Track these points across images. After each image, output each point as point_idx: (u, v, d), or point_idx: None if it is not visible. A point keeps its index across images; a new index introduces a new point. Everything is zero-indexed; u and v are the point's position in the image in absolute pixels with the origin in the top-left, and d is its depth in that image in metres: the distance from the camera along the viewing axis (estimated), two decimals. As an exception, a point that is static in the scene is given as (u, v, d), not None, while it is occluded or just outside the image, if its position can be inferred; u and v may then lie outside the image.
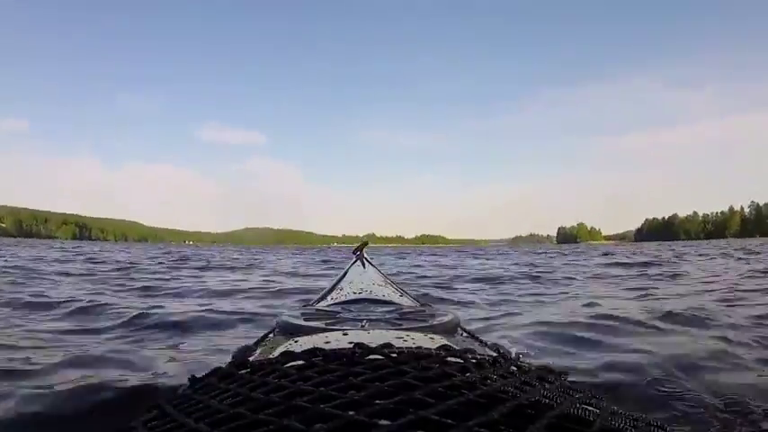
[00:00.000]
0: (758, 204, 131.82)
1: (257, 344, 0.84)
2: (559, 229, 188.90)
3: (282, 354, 0.52)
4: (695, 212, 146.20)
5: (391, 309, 1.12)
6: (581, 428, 0.36)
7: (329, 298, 1.57)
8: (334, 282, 1.91)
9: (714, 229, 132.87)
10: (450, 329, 0.86)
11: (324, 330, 0.78)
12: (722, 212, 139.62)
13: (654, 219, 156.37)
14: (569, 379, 0.50)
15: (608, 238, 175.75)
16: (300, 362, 0.50)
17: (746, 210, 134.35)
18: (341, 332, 0.74)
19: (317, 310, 1.10)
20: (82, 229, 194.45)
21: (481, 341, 0.89)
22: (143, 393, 1.88)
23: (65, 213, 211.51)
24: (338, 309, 1.12)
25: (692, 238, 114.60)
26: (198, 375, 0.54)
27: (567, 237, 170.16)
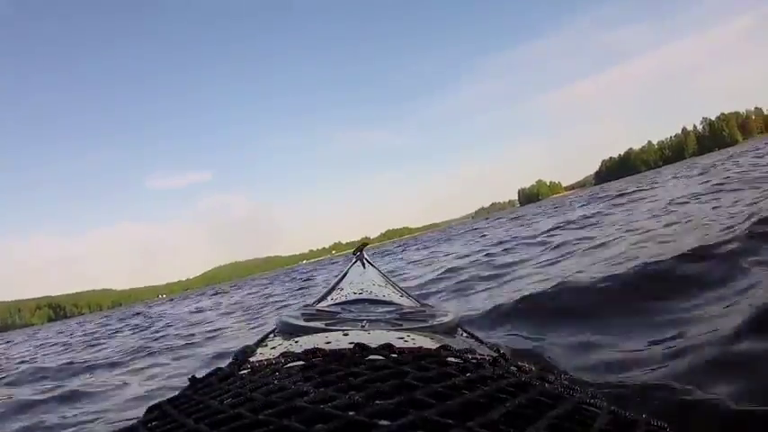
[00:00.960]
0: (710, 119, 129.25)
1: (258, 344, 0.84)
2: (520, 191, 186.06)
3: (283, 354, 0.52)
4: (649, 142, 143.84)
5: (391, 309, 1.12)
6: (581, 429, 0.36)
7: (329, 298, 1.57)
8: (334, 282, 1.91)
9: (672, 153, 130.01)
10: (450, 329, 0.86)
11: (324, 331, 0.78)
12: (676, 135, 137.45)
13: (610, 158, 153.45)
14: (569, 379, 0.50)
15: (568, 188, 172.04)
16: (301, 362, 0.50)
17: (700, 127, 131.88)
18: (341, 332, 0.74)
19: (318, 310, 1.10)
20: (56, 310, 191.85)
21: (481, 341, 0.89)
22: (143, 394, 1.89)
23: (35, 298, 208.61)
24: (338, 309, 1.12)
25: (651, 168, 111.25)
26: (198, 376, 0.54)
27: (529, 197, 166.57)
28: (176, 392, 0.51)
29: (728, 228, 3.31)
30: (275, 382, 0.44)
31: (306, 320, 0.87)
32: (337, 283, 1.89)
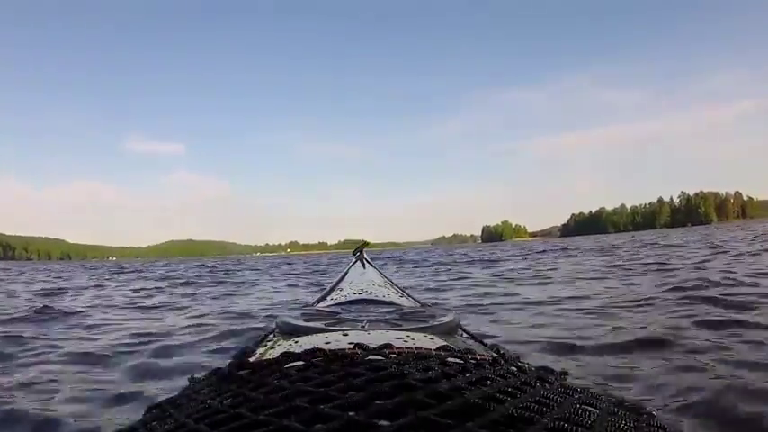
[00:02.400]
0: (688, 195, 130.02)
1: (257, 344, 0.83)
2: (484, 227, 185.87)
3: (282, 354, 0.52)
4: (623, 205, 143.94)
5: (391, 309, 1.12)
6: (581, 429, 0.36)
7: (329, 298, 1.57)
8: (334, 282, 1.91)
9: (643, 220, 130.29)
10: (450, 330, 0.86)
11: (324, 331, 0.78)
12: (651, 204, 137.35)
13: (580, 213, 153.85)
14: (569, 379, 0.50)
15: (533, 234, 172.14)
16: (300, 362, 0.50)
17: (676, 200, 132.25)
18: (341, 333, 0.74)
19: (317, 310, 1.10)
20: (5, 249, 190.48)
21: (481, 341, 0.89)
22: (143, 394, 1.88)
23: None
24: (338, 309, 1.12)
25: (620, 231, 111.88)
26: (198, 376, 0.54)
27: (492, 235, 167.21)
28: (176, 392, 0.51)
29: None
30: (275, 382, 0.44)
31: (305, 320, 0.87)
32: (337, 283, 1.89)
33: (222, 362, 0.60)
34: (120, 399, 1.84)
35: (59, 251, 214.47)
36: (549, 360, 2.05)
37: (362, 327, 0.82)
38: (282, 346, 0.74)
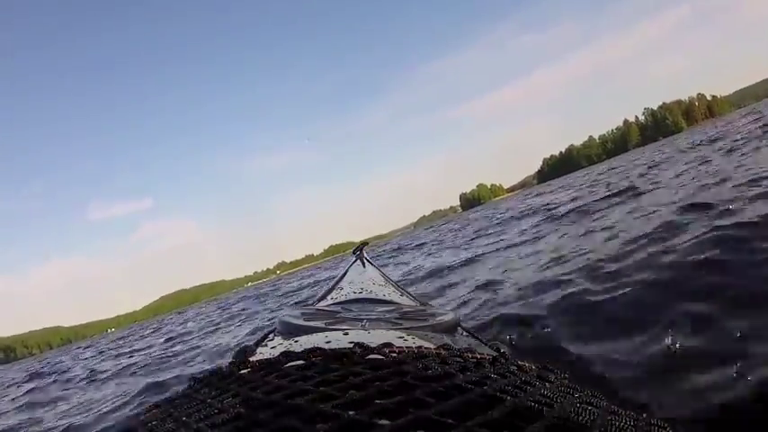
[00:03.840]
0: (652, 109, 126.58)
1: (257, 344, 0.84)
2: (461, 195, 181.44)
3: (283, 353, 0.52)
4: (591, 137, 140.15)
5: (391, 308, 1.12)
6: (581, 429, 0.36)
7: (329, 298, 1.57)
8: (334, 281, 1.91)
9: (614, 146, 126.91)
10: (450, 329, 0.86)
11: (324, 330, 0.78)
12: (618, 128, 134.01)
13: (551, 156, 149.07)
14: (569, 378, 0.50)
15: (510, 189, 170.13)
16: (300, 362, 0.50)
17: (641, 118, 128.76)
18: (341, 332, 0.74)
19: (318, 309, 1.10)
20: (6, 351, 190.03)
21: (481, 341, 0.89)
22: (144, 394, 1.89)
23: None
24: (338, 308, 1.12)
25: (594, 163, 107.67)
26: (198, 375, 0.54)
27: (471, 201, 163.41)
28: (176, 392, 0.51)
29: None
30: (275, 381, 0.44)
31: (306, 320, 0.87)
32: (337, 282, 1.89)
33: (222, 361, 0.60)
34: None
35: (58, 338, 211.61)
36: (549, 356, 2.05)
37: (363, 326, 0.82)
38: (282, 345, 0.74)
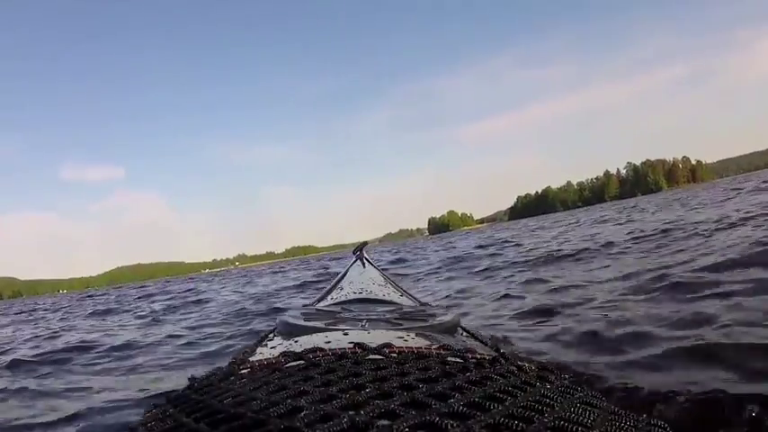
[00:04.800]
0: (635, 164, 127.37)
1: (258, 344, 0.84)
2: (430, 219, 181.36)
3: (283, 354, 0.52)
4: (569, 182, 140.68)
5: (391, 308, 1.12)
6: (581, 429, 0.36)
7: (329, 298, 1.57)
8: (334, 282, 1.91)
9: (591, 194, 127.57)
10: (450, 329, 0.86)
11: (324, 330, 0.78)
12: (598, 177, 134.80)
13: (526, 195, 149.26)
14: (569, 379, 0.50)
15: (480, 221, 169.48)
16: (301, 362, 0.50)
17: (623, 171, 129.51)
18: (341, 332, 0.74)
19: (318, 309, 1.10)
20: None
21: (481, 341, 0.89)
22: (143, 394, 1.88)
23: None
24: (338, 309, 1.12)
25: (569, 208, 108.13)
26: (198, 375, 0.54)
27: (439, 226, 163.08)
28: (176, 392, 0.51)
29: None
30: (275, 381, 0.44)
31: (306, 320, 0.87)
32: (337, 282, 1.89)
33: (222, 361, 0.60)
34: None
35: (10, 290, 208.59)
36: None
37: (363, 326, 0.82)
38: (283, 345, 0.74)
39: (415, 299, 1.65)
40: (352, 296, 1.45)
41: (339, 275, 2.05)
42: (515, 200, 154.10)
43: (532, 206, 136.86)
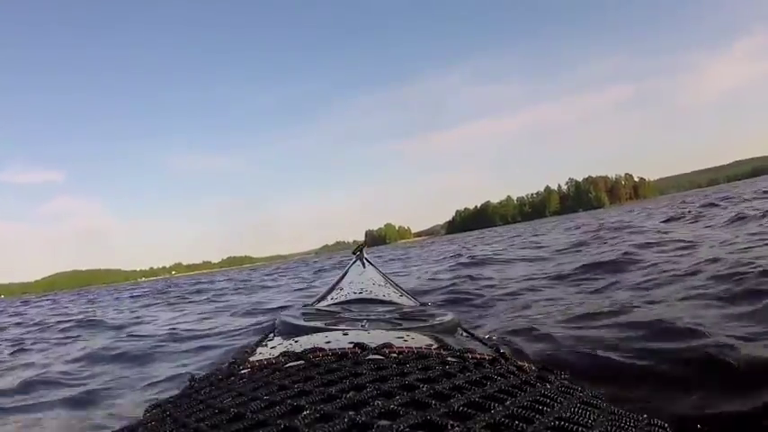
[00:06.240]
0: (576, 180, 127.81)
1: (258, 344, 0.84)
2: (367, 232, 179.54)
3: (283, 354, 0.52)
4: (509, 197, 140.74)
5: (391, 309, 1.13)
6: (581, 429, 0.36)
7: (329, 298, 1.57)
8: (334, 282, 1.91)
9: (531, 210, 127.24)
10: (450, 329, 0.86)
11: (324, 330, 0.78)
12: (538, 193, 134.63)
13: (465, 209, 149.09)
14: (569, 379, 0.50)
15: (418, 234, 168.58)
16: (301, 362, 0.50)
17: (564, 187, 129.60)
18: (341, 332, 0.74)
19: (317, 310, 1.10)
20: None
21: (481, 341, 0.89)
22: (143, 394, 1.88)
23: None
24: (338, 309, 1.12)
25: (509, 222, 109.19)
26: (198, 375, 0.54)
27: (376, 239, 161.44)
28: (176, 392, 0.51)
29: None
30: (275, 381, 0.44)
31: (306, 320, 0.87)
32: (337, 282, 1.89)
33: (222, 361, 0.60)
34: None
35: None
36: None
37: (363, 326, 0.82)
38: (283, 345, 0.74)
39: (414, 299, 1.65)
40: (352, 296, 1.45)
41: (339, 276, 2.05)
42: (454, 214, 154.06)
43: (471, 220, 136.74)
